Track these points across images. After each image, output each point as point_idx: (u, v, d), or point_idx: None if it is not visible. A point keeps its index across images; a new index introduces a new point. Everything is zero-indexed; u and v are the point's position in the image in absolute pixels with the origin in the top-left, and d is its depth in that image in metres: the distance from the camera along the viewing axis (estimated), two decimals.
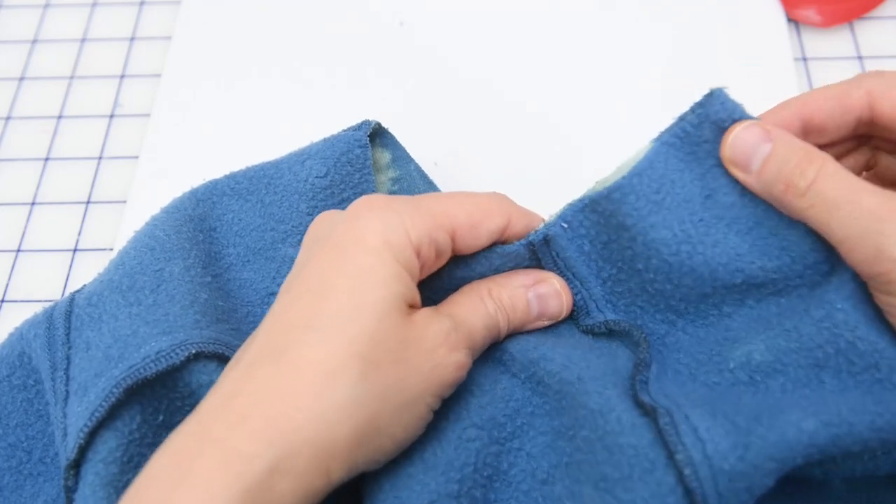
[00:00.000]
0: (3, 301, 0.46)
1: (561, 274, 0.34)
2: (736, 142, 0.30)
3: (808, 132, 0.31)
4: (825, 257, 0.30)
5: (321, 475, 0.27)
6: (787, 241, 0.30)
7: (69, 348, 0.34)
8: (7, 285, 0.46)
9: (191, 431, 0.27)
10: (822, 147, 0.30)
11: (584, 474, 0.29)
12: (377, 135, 0.41)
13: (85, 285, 0.37)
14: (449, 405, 0.31)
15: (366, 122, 0.39)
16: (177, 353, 0.32)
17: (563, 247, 0.33)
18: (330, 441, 0.26)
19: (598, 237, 0.33)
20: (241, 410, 0.27)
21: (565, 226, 0.33)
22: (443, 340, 0.30)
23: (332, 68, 0.52)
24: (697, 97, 0.51)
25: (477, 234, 0.32)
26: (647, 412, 0.28)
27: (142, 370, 0.31)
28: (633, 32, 0.52)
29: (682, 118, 0.31)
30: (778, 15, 0.51)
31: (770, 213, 0.30)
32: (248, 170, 0.39)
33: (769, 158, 0.29)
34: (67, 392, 0.33)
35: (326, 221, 0.32)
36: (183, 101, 0.51)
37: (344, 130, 0.39)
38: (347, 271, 0.29)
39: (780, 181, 0.29)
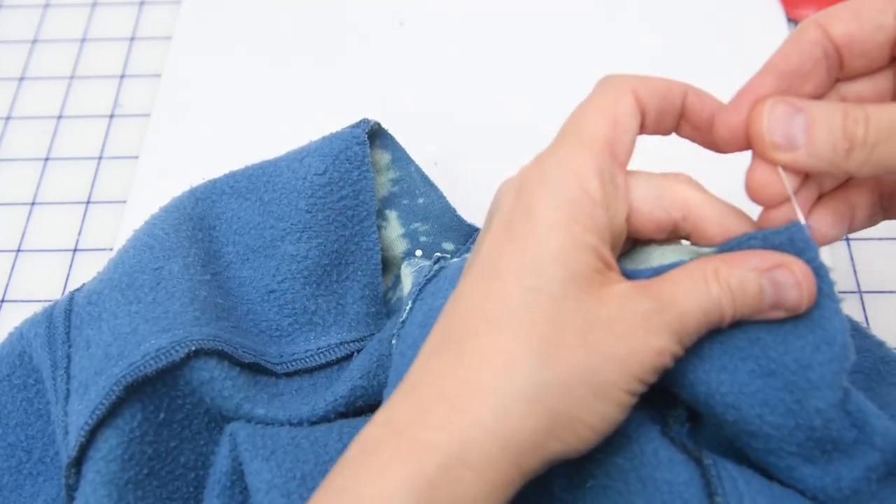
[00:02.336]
0: (3, 301, 0.46)
1: None
2: (773, 124, 0.27)
3: (791, 83, 0.29)
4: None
5: (511, 467, 0.25)
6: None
7: (69, 347, 0.34)
8: (7, 285, 0.46)
9: (378, 421, 0.27)
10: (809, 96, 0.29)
11: (611, 500, 0.28)
12: (377, 135, 0.41)
13: (84, 284, 0.37)
14: None
15: (364, 121, 0.39)
16: (177, 350, 0.32)
17: None
18: (515, 432, 0.25)
19: None
20: (421, 401, 0.26)
21: None
22: (640, 323, 0.26)
23: (332, 68, 0.52)
24: None
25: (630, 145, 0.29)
26: (688, 452, 0.28)
27: (142, 367, 0.31)
28: (632, 32, 0.52)
29: (752, 238, 0.28)
30: (778, 15, 0.51)
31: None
32: (247, 168, 0.39)
33: (813, 125, 0.27)
34: (68, 390, 0.33)
35: (503, 189, 0.30)
36: (183, 101, 0.51)
37: (342, 128, 0.39)
38: (516, 250, 0.27)
39: (840, 141, 0.27)
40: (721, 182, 0.31)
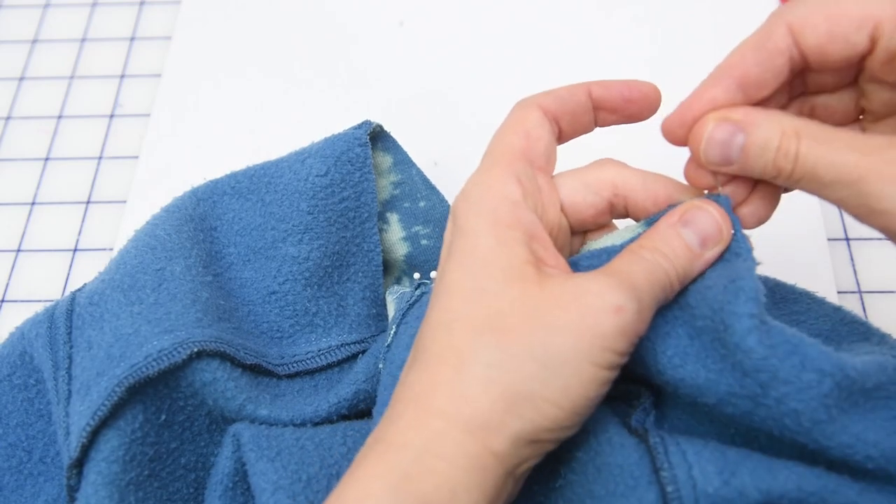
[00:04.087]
0: (3, 301, 0.46)
1: None
2: (710, 147, 0.29)
3: (747, 93, 0.30)
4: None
5: (480, 450, 0.26)
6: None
7: (71, 347, 0.34)
8: (7, 285, 0.46)
9: (367, 441, 0.28)
10: (766, 100, 0.30)
11: (574, 493, 0.29)
12: (378, 138, 0.41)
13: (86, 284, 0.37)
14: None
15: (366, 122, 0.39)
16: (179, 352, 0.32)
17: None
18: (473, 413, 0.26)
19: None
20: (395, 411, 0.28)
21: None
22: (586, 290, 0.27)
23: (332, 68, 0.52)
24: None
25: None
26: (639, 435, 0.29)
27: (144, 369, 0.31)
28: (632, 32, 0.52)
29: (673, 207, 0.31)
30: None
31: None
32: (249, 169, 0.39)
33: (749, 148, 0.29)
34: (70, 391, 0.33)
35: (447, 226, 0.32)
36: (183, 101, 0.51)
37: (345, 130, 0.39)
38: (456, 264, 0.29)
39: (770, 168, 0.28)
40: None
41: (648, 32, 0.51)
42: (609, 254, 0.30)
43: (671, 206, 0.31)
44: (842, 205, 0.27)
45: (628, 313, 0.27)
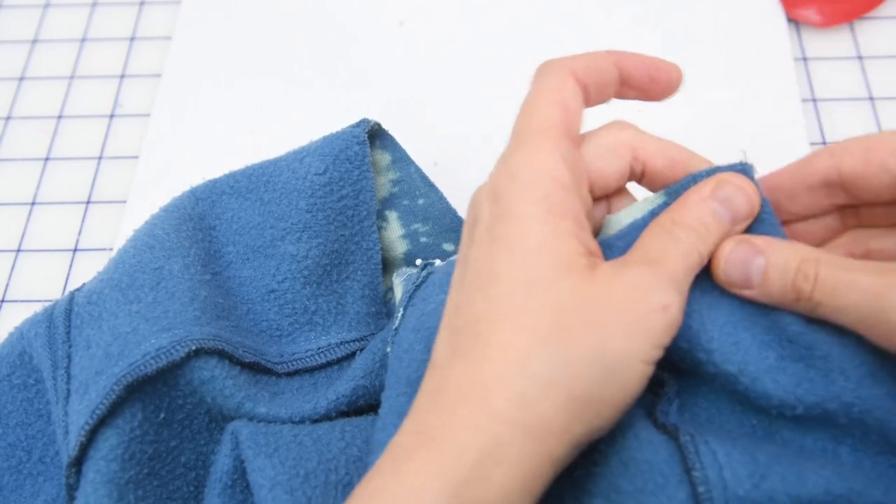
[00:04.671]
0: (3, 301, 0.46)
1: None
2: (729, 266, 0.29)
3: (779, 204, 0.31)
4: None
5: (541, 457, 0.26)
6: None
7: (70, 346, 0.34)
8: (7, 285, 0.46)
9: (408, 430, 0.27)
10: (807, 220, 0.31)
11: (596, 486, 0.29)
12: (377, 136, 0.41)
13: (84, 284, 0.37)
14: None
15: (364, 120, 0.39)
16: (177, 350, 0.32)
17: None
18: (538, 419, 0.26)
19: None
20: (447, 405, 0.26)
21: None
22: (636, 288, 0.27)
23: (332, 68, 0.52)
24: (697, 97, 0.51)
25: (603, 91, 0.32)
26: (668, 432, 0.29)
27: (142, 367, 0.31)
28: (632, 32, 0.52)
29: (695, 178, 0.30)
30: (778, 15, 0.51)
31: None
32: (247, 168, 0.39)
33: (768, 271, 0.29)
34: (69, 390, 0.33)
35: (477, 198, 0.30)
36: (183, 101, 0.51)
37: (343, 128, 0.39)
38: (504, 252, 0.28)
39: (788, 291, 0.28)
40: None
41: (648, 32, 0.51)
42: (637, 229, 0.30)
43: (694, 177, 0.30)
44: (862, 326, 0.28)
45: (674, 310, 0.27)
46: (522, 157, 0.29)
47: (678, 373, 0.31)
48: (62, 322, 0.35)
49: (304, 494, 0.30)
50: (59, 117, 0.52)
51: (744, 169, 0.30)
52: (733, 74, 0.49)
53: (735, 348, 0.29)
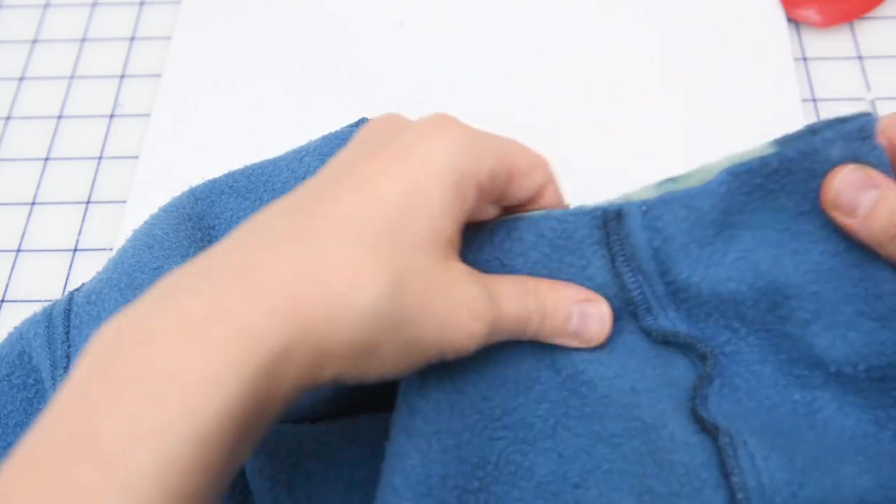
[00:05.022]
0: (3, 301, 0.46)
1: (617, 263, 0.30)
2: (842, 185, 0.28)
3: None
4: None
5: (315, 374, 0.25)
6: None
7: (69, 347, 0.34)
8: (7, 285, 0.46)
9: (196, 290, 0.24)
10: None
11: (627, 484, 0.28)
12: None
13: (84, 284, 0.37)
14: (490, 398, 0.30)
15: (363, 119, 0.39)
16: None
17: (633, 232, 0.30)
18: (334, 342, 0.25)
19: (676, 235, 0.30)
20: (261, 285, 0.24)
21: (644, 209, 0.30)
22: (469, 303, 0.27)
23: (332, 68, 0.52)
24: (696, 97, 0.51)
25: (526, 185, 0.30)
26: (707, 429, 0.28)
27: None
28: (632, 32, 0.52)
29: (814, 131, 0.29)
30: (778, 15, 0.51)
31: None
32: (247, 168, 0.40)
33: (877, 205, 0.28)
34: None
35: (388, 126, 0.29)
36: (183, 101, 0.51)
37: (342, 128, 0.40)
38: (402, 181, 0.27)
39: (890, 228, 0.28)
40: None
41: (648, 32, 0.51)
42: (734, 175, 0.29)
43: (812, 127, 0.29)
44: None
45: (473, 344, 0.28)
46: (471, 134, 0.29)
47: (729, 333, 0.30)
48: (61, 322, 0.35)
49: (304, 493, 0.30)
50: (59, 117, 0.52)
51: (866, 121, 0.28)
52: (733, 74, 0.49)
53: (814, 298, 0.28)
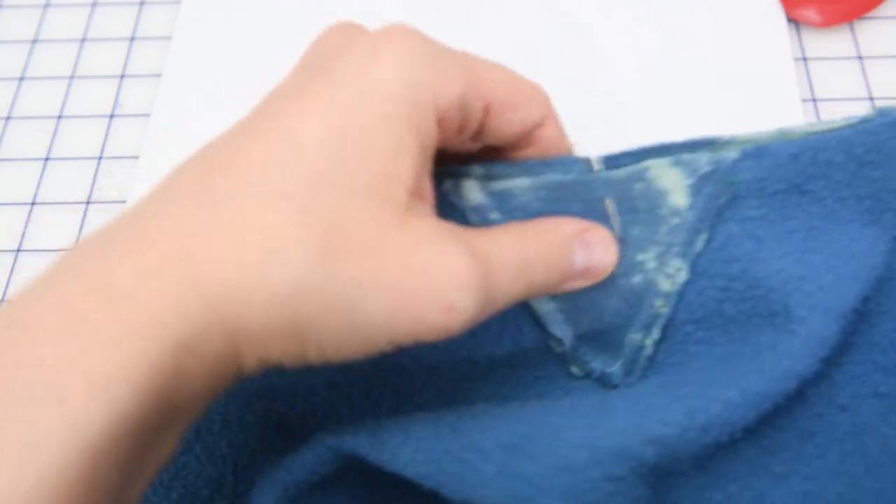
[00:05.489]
0: (3, 301, 0.46)
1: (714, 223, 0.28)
2: None
3: None
4: None
5: (233, 362, 0.21)
6: None
7: None
8: (7, 285, 0.46)
9: (86, 271, 0.20)
10: None
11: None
12: None
13: None
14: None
15: None
16: None
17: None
18: (249, 325, 0.20)
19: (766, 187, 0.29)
20: (155, 260, 0.20)
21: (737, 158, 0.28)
22: (441, 267, 0.22)
23: None
24: (696, 97, 0.51)
25: (510, 119, 0.25)
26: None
27: None
28: (632, 32, 0.52)
29: (882, 113, 0.29)
30: (778, 15, 0.51)
31: None
32: None
33: None
34: None
35: (334, 43, 0.24)
36: (183, 101, 0.51)
37: None
38: (336, 116, 0.22)
39: None
40: None
41: (648, 32, 0.51)
42: (826, 141, 0.28)
43: (881, 111, 0.28)
44: None
45: (456, 319, 0.22)
46: (425, 49, 0.23)
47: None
48: None
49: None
50: (59, 117, 0.52)
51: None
52: (733, 74, 0.49)
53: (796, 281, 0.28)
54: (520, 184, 0.27)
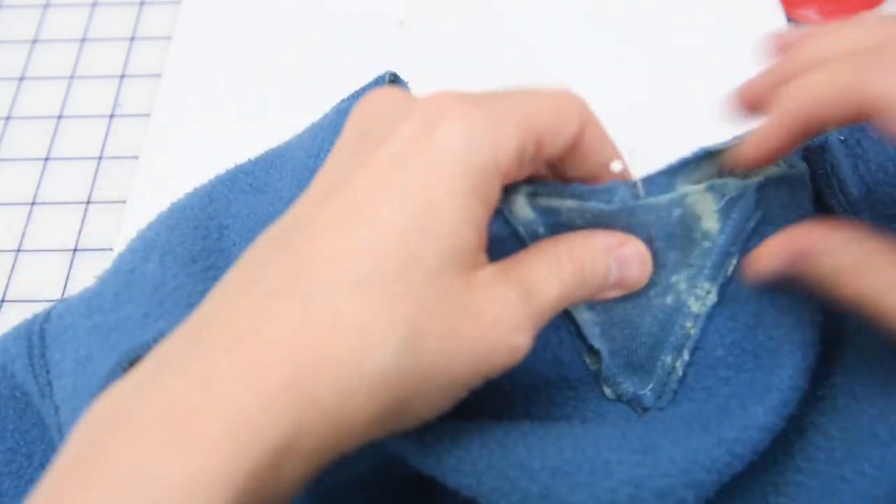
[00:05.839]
0: (3, 301, 0.46)
1: (825, 196, 0.29)
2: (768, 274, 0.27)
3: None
4: None
5: (331, 453, 0.22)
6: None
7: (48, 372, 0.32)
8: (7, 285, 0.46)
9: (185, 370, 0.21)
10: None
11: None
12: None
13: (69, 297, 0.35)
14: None
15: (380, 78, 0.36)
16: (117, 374, 0.28)
17: (839, 161, 0.29)
18: (350, 418, 0.21)
19: (874, 158, 0.29)
20: (254, 359, 0.21)
21: (842, 138, 0.29)
22: (507, 316, 0.24)
23: (332, 68, 0.52)
24: (696, 97, 0.51)
25: (555, 143, 0.25)
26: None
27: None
28: (631, 32, 0.52)
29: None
30: (778, 15, 0.51)
31: None
32: (260, 158, 0.37)
33: (813, 271, 0.26)
34: (60, 423, 0.31)
35: (383, 111, 0.24)
36: (183, 101, 0.51)
37: (354, 92, 0.37)
38: (406, 203, 0.22)
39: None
40: None
41: (648, 32, 0.51)
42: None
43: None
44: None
45: (520, 355, 0.24)
46: (487, 116, 0.24)
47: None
48: (38, 342, 0.32)
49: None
50: (59, 117, 0.52)
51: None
52: (733, 74, 0.49)
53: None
54: (567, 204, 0.28)
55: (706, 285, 0.30)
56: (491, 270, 0.25)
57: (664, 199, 0.28)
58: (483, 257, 0.25)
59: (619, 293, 0.28)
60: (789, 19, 0.51)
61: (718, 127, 0.48)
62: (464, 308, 0.23)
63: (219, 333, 0.21)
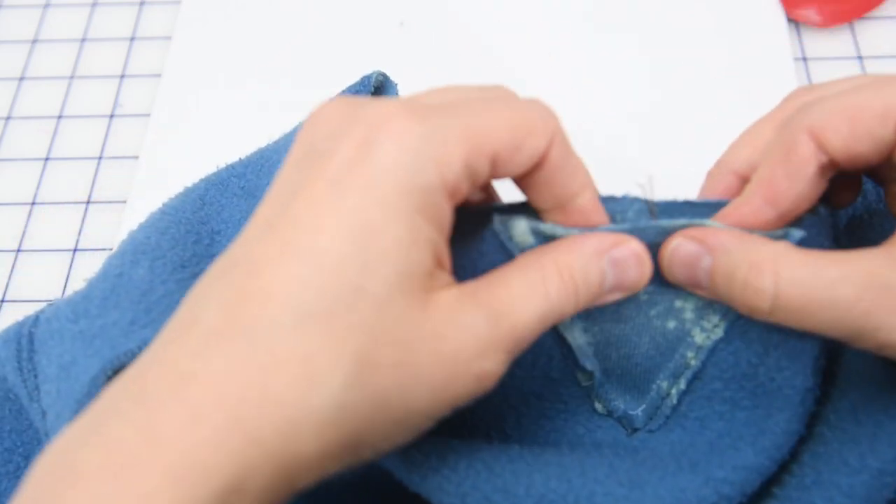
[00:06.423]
0: (3, 301, 0.46)
1: None
2: (672, 261, 0.26)
3: (780, 208, 0.26)
4: None
5: (284, 490, 0.21)
6: None
7: (36, 377, 0.31)
8: (7, 285, 0.46)
9: (128, 416, 0.20)
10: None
11: None
12: (383, 89, 0.37)
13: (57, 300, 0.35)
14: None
15: (366, 77, 0.36)
16: (98, 383, 0.28)
17: None
18: (298, 455, 0.21)
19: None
20: (196, 403, 0.20)
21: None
22: (470, 341, 0.22)
23: (332, 68, 0.52)
24: (696, 97, 0.51)
25: (517, 161, 0.24)
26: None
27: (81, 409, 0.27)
28: (631, 32, 0.52)
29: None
30: (778, 15, 0.51)
31: None
32: (253, 161, 0.37)
33: (713, 275, 0.25)
34: (47, 428, 0.30)
35: (334, 123, 0.23)
36: (183, 101, 0.51)
37: (340, 92, 0.37)
38: (344, 229, 0.21)
39: (741, 305, 0.25)
40: None
41: (648, 32, 0.51)
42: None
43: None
44: (836, 336, 0.24)
45: (491, 380, 0.23)
46: (428, 131, 0.22)
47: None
48: (26, 346, 0.32)
49: None
50: (59, 117, 0.52)
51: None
52: (733, 74, 0.49)
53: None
54: (571, 231, 0.27)
55: (715, 318, 0.29)
56: (455, 293, 0.23)
57: (680, 222, 0.27)
58: (444, 279, 0.24)
59: (621, 296, 0.27)
60: (789, 19, 0.51)
61: (717, 127, 0.48)
62: (418, 335, 0.22)
63: (162, 377, 0.21)
